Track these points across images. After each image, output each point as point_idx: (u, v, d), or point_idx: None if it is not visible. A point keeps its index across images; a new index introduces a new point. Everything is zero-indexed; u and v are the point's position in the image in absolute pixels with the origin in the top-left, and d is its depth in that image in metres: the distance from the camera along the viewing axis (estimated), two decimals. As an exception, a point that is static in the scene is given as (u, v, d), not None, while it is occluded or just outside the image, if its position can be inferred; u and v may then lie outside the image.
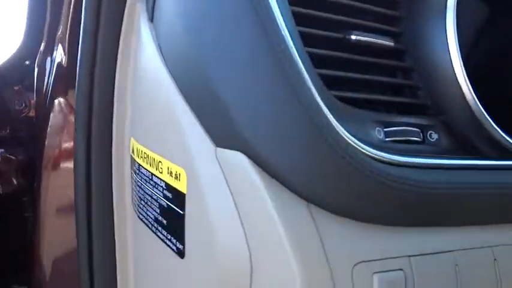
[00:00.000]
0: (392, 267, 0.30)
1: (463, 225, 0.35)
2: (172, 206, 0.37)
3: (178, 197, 0.36)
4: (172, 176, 0.36)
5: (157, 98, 0.38)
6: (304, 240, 0.28)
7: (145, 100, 0.40)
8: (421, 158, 0.34)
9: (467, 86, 0.39)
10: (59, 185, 0.54)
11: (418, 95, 0.41)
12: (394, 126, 0.38)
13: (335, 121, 0.32)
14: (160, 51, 0.37)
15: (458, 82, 0.39)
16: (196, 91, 0.33)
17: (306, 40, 0.35)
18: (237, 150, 0.31)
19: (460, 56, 0.39)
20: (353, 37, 0.38)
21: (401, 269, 0.30)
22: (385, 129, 0.37)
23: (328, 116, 0.31)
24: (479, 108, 0.39)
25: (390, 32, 0.41)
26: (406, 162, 0.33)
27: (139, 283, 0.45)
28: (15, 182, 0.56)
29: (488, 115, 0.39)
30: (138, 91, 0.41)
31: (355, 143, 0.31)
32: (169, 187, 0.37)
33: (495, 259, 0.35)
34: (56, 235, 0.54)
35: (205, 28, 0.33)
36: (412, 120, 0.39)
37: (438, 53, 0.40)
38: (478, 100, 0.39)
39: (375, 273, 0.29)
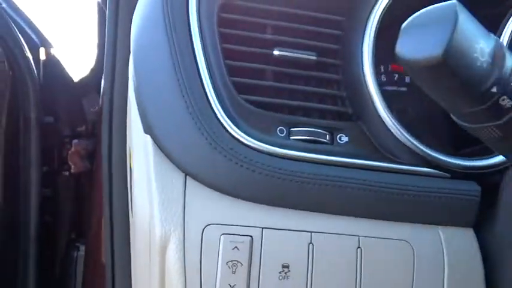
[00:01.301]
0: (243, 233, 0.37)
1: (327, 212, 0.40)
2: (131, 178, 0.49)
3: (131, 171, 0.48)
4: (130, 157, 0.49)
5: (131, 107, 0.50)
6: (169, 203, 0.38)
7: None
8: (293, 150, 0.40)
9: (377, 97, 0.44)
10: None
11: (345, 103, 0.47)
12: (301, 127, 0.45)
13: (222, 113, 0.41)
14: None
15: (371, 95, 0.44)
16: (138, 98, 0.46)
17: (235, 55, 0.44)
18: (148, 134, 0.42)
19: (373, 74, 0.45)
20: (276, 52, 0.46)
21: (250, 236, 0.37)
22: (291, 129, 0.44)
23: (215, 109, 0.41)
24: (388, 117, 0.44)
25: (330, 49, 0.48)
26: (273, 151, 0.40)
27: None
28: (84, 165, 0.74)
29: (398, 124, 0.44)
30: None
31: (229, 132, 0.40)
32: (130, 165, 0.49)
33: (359, 247, 0.39)
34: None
35: (142, 56, 0.45)
36: (325, 124, 0.45)
37: (357, 70, 0.46)
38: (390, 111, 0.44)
39: (223, 234, 0.37)
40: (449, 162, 0.44)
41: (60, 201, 0.78)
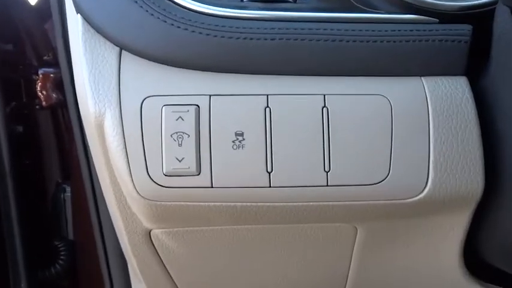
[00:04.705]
0: (187, 103, 0.32)
1: (287, 74, 0.34)
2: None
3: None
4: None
5: None
6: (102, 79, 0.33)
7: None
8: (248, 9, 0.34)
9: None
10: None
11: None
12: None
13: None
14: None
15: None
16: None
17: None
18: (79, 13, 0.37)
19: None
20: None
21: (196, 105, 0.32)
22: None
23: None
24: None
25: None
26: (218, 11, 0.34)
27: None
28: (56, 96, 0.70)
29: None
30: None
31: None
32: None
33: (325, 106, 0.33)
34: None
35: None
36: None
37: None
38: None
39: (164, 105, 0.32)
40: (435, 3, 0.37)
41: (41, 139, 0.74)
